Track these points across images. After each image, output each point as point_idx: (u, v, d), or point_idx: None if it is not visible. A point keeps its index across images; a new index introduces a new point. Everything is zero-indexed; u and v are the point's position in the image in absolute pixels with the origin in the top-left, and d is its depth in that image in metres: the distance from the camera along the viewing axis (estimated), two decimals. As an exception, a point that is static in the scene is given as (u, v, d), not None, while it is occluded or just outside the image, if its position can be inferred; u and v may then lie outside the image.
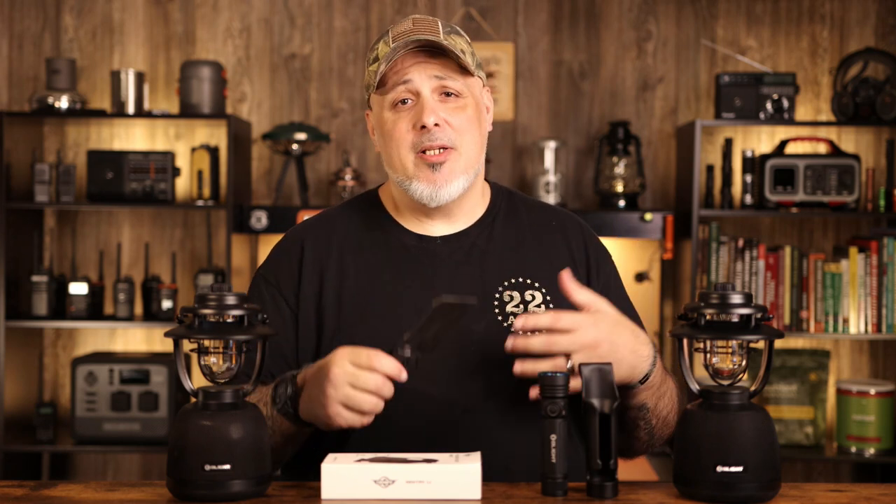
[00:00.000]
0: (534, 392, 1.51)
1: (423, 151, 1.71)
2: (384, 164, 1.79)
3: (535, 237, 1.83)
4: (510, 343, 1.54)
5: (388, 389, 1.51)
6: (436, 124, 1.70)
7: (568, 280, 1.59)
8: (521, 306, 1.74)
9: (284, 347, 1.75)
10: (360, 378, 1.50)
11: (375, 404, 1.51)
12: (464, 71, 1.74)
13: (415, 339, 1.52)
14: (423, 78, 1.72)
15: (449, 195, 1.73)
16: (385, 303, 1.74)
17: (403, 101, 1.73)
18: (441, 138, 1.71)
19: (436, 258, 1.77)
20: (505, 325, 1.72)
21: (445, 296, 1.52)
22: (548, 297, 1.74)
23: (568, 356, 1.54)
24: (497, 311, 1.74)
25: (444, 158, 1.71)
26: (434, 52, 1.73)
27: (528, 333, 1.55)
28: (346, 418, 1.52)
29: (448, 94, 1.73)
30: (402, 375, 1.51)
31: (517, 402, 1.68)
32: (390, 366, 1.51)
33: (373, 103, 1.79)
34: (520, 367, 1.54)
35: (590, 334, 1.54)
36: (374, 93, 1.77)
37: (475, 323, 1.72)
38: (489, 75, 4.21)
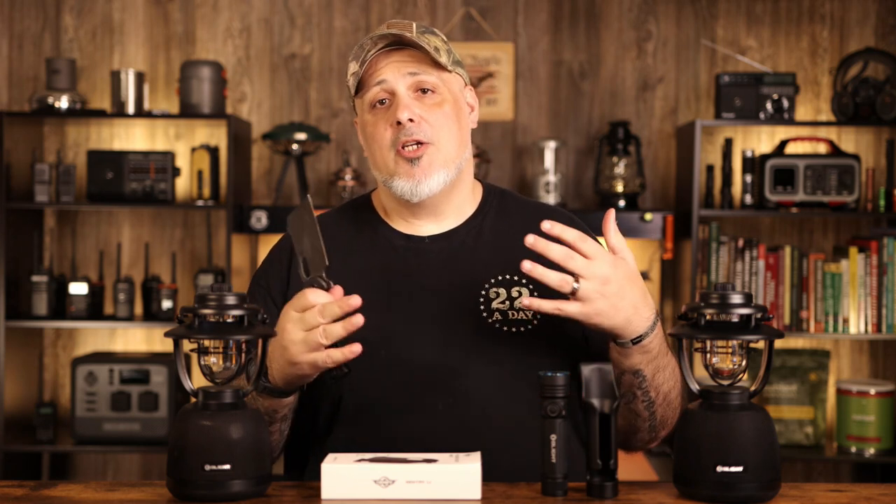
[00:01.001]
0: (525, 301, 1.55)
1: (403, 147, 1.73)
2: (371, 168, 1.80)
3: (525, 234, 1.82)
4: (531, 239, 1.54)
5: (330, 311, 1.53)
6: (410, 119, 1.72)
7: (611, 220, 1.61)
8: (507, 303, 1.74)
9: None
10: (306, 319, 1.54)
11: (326, 331, 1.53)
12: (439, 66, 1.75)
13: (306, 266, 1.58)
14: (398, 76, 1.74)
15: (429, 189, 1.74)
16: (374, 303, 1.74)
17: (381, 102, 1.75)
18: (417, 133, 1.72)
19: (423, 257, 1.78)
20: (490, 321, 1.72)
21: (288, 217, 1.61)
22: (535, 294, 1.73)
23: (577, 279, 1.54)
24: (482, 308, 1.74)
25: (422, 153, 1.72)
26: (407, 49, 1.75)
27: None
28: (313, 359, 1.55)
29: (424, 91, 1.75)
30: (338, 292, 1.55)
31: (504, 399, 1.69)
32: (322, 295, 1.55)
33: (357, 108, 1.82)
34: (529, 265, 1.54)
35: (605, 269, 1.55)
36: (355, 97, 1.79)
37: (461, 320, 1.72)
38: (489, 75, 4.21)
